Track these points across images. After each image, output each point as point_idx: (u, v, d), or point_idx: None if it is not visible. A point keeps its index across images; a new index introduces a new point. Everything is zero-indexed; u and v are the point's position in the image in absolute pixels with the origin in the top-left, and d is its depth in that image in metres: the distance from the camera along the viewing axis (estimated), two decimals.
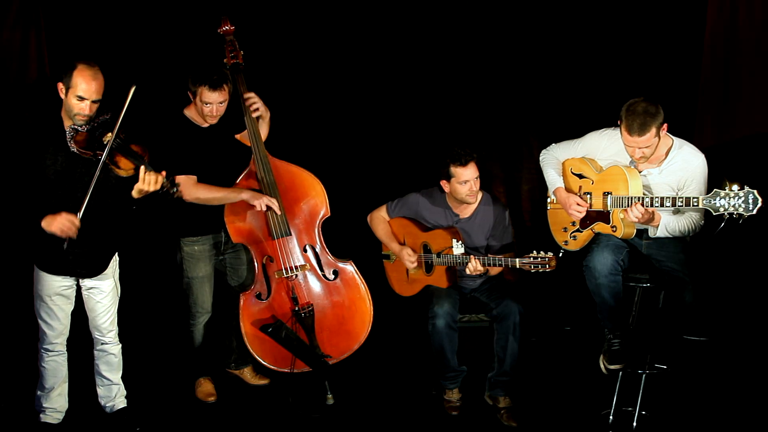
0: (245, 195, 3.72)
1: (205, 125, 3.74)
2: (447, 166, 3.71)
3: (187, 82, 3.63)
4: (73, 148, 3.14)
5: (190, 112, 3.75)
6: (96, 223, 3.26)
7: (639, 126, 3.19)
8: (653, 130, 3.21)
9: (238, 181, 3.81)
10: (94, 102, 3.16)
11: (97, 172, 3.09)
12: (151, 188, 3.14)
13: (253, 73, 3.93)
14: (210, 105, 3.62)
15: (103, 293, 3.43)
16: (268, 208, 3.72)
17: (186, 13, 4.72)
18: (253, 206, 3.71)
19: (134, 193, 3.17)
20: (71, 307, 3.42)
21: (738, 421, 3.57)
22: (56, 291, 3.34)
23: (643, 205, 3.22)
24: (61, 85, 3.17)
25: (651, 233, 3.40)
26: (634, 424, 3.50)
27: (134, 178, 3.15)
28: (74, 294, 3.41)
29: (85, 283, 3.41)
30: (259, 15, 4.77)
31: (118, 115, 3.13)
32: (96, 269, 3.39)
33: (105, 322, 3.46)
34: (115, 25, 4.73)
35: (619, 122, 3.30)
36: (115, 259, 3.50)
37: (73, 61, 3.17)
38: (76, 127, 3.17)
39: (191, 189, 3.68)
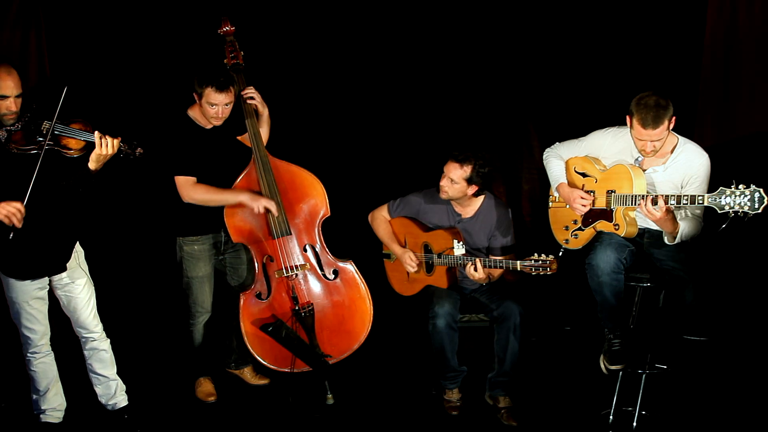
0: (243, 198, 3.71)
1: (209, 126, 3.73)
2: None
3: (192, 83, 3.62)
4: (14, 150, 3.09)
5: (193, 113, 3.74)
6: (49, 214, 3.22)
7: (653, 118, 3.18)
8: (666, 123, 3.21)
9: (238, 180, 3.80)
10: (17, 97, 3.09)
11: (40, 160, 3.04)
12: (109, 151, 3.11)
13: (254, 73, 3.93)
14: (216, 107, 3.61)
15: (79, 287, 3.39)
16: (267, 210, 3.72)
17: (186, 13, 4.72)
18: (252, 208, 3.70)
19: (91, 165, 3.13)
20: (47, 306, 3.40)
21: (738, 421, 3.57)
22: (32, 295, 3.30)
23: (657, 203, 3.17)
24: None
25: (667, 240, 3.35)
26: (634, 424, 3.50)
27: (86, 156, 3.13)
28: (47, 293, 3.38)
29: (59, 281, 3.36)
30: (260, 15, 4.76)
31: (55, 107, 3.08)
32: (60, 263, 3.32)
33: (89, 316, 3.43)
34: (115, 25, 4.73)
35: (629, 117, 3.28)
36: (80, 252, 3.43)
37: None
38: (9, 128, 3.10)
39: (189, 190, 3.68)
